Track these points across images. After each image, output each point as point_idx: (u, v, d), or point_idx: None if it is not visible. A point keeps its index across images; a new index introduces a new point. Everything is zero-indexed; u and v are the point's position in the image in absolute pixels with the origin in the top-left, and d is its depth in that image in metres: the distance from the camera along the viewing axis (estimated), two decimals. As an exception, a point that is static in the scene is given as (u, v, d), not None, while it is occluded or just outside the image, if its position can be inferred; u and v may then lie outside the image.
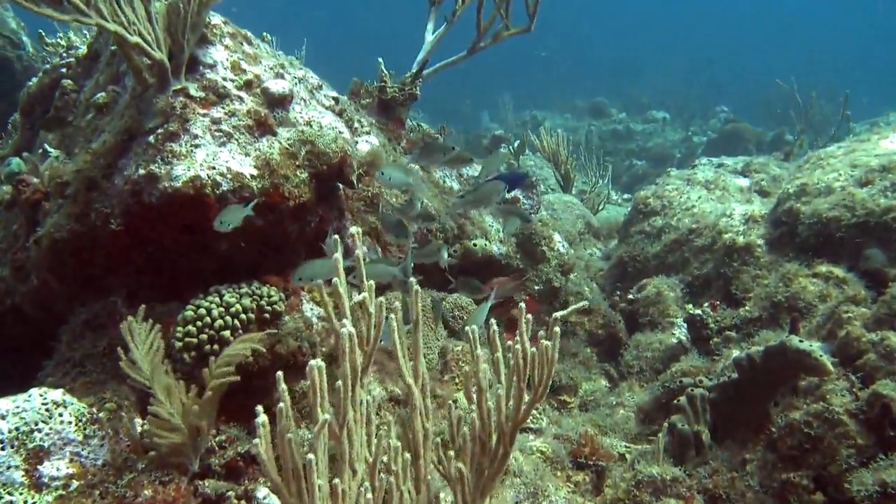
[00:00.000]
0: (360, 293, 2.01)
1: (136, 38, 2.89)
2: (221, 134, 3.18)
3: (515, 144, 9.24)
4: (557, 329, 2.22)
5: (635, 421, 4.49)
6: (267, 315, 3.26)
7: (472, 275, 4.91)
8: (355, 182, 3.60)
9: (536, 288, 5.07)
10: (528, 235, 5.13)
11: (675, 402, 3.97)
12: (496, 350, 2.40)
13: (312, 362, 1.68)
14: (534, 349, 2.28)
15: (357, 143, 4.13)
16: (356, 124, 4.23)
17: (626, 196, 9.53)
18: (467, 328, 2.66)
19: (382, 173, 3.14)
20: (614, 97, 18.03)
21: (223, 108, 3.25)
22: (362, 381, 1.90)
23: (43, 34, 5.35)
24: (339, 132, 3.60)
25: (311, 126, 3.53)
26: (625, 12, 39.20)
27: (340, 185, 3.65)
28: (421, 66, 4.76)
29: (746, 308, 4.67)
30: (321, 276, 2.83)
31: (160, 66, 3.08)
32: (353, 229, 1.97)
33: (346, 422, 1.82)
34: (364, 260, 2.02)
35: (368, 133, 4.32)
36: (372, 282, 1.99)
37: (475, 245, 4.74)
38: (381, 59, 4.72)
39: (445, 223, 4.64)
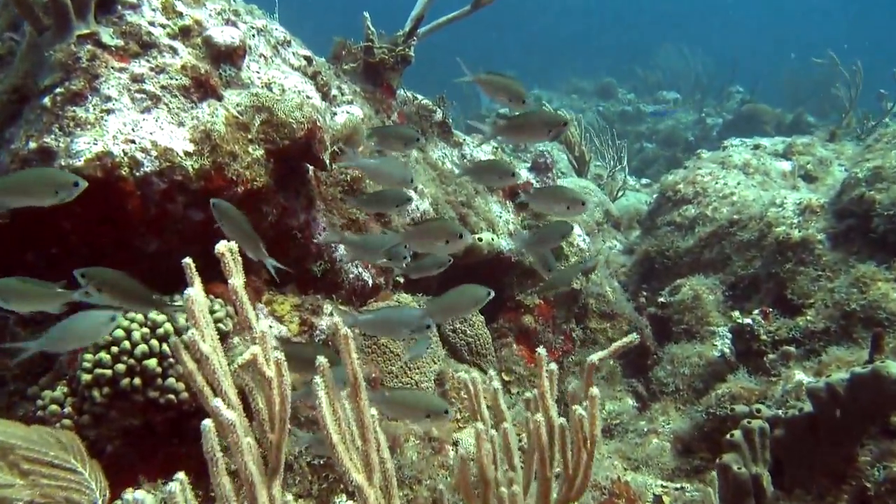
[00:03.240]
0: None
1: (10, -42, 2.08)
2: (145, 96, 2.37)
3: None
4: (595, 391, 1.44)
5: (671, 452, 3.77)
6: (208, 337, 2.46)
7: (477, 275, 4.13)
8: (328, 162, 2.79)
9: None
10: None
11: (728, 436, 3.21)
12: (501, 419, 1.62)
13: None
14: (563, 420, 1.50)
15: (336, 113, 3.33)
16: (335, 91, 3.42)
17: (644, 181, 8.71)
18: (465, 377, 1.88)
19: None
20: (622, 77, 17.09)
21: (149, 61, 2.44)
22: (270, 490, 1.12)
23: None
24: (307, 97, 2.79)
25: (270, 89, 2.72)
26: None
27: (309, 166, 2.85)
28: (415, 22, 3.93)
29: (808, 317, 3.87)
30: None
31: (57, 2, 2.26)
32: (221, 244, 1.23)
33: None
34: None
35: (350, 102, 3.51)
36: (264, 325, 1.22)
37: (480, 240, 3.93)
38: (366, 14, 3.88)
39: (445, 213, 3.84)
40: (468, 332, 3.43)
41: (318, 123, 2.70)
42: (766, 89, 15.63)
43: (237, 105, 2.55)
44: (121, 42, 2.40)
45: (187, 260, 1.56)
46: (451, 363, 3.21)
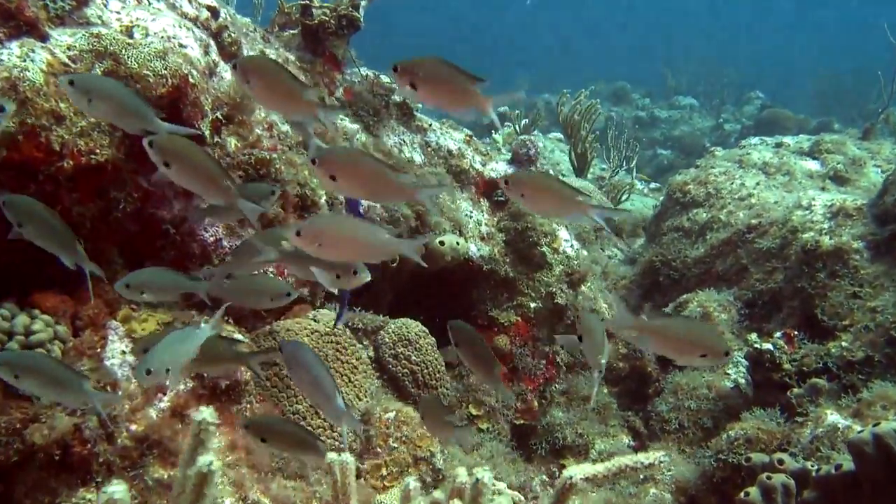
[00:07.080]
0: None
1: None
2: (-83, 28, 1.70)
3: (522, 123, 7.72)
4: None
5: (673, 505, 3.07)
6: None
7: (441, 286, 3.45)
8: (207, 133, 2.10)
9: (532, 305, 3.57)
10: (521, 231, 3.61)
11: (743, 495, 2.58)
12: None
13: None
14: None
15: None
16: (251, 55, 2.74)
17: (653, 186, 7.97)
18: (333, 458, 1.19)
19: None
20: (636, 81, 16.36)
21: (-71, -19, 1.77)
22: None
23: None
24: (180, 44, 2.10)
25: (131, 35, 2.04)
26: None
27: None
28: (365, -23, 3.26)
29: (843, 343, 3.14)
30: None
31: None
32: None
33: None
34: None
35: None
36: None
37: (442, 244, 3.24)
38: (305, -32, 3.20)
39: (399, 209, 3.15)
40: (413, 357, 2.72)
41: (191, 80, 2.02)
42: (789, 96, 14.93)
43: (68, 48, 1.87)
44: None
45: None
46: (383, 399, 2.49)
